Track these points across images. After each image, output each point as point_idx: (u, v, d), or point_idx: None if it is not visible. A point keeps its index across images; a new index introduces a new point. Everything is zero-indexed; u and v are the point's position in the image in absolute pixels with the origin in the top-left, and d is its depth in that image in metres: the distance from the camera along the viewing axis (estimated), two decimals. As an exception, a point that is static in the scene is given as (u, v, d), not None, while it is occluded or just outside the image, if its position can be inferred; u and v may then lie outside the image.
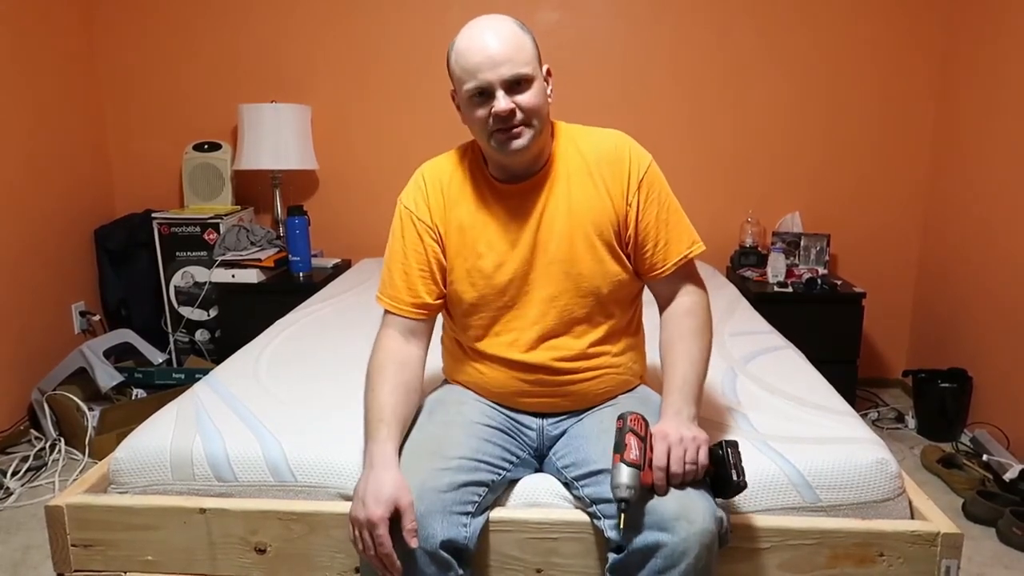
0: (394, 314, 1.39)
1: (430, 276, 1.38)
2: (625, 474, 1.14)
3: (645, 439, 1.20)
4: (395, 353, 1.36)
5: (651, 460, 1.18)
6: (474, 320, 1.39)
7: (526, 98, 1.25)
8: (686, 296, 1.38)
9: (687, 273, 1.39)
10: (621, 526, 1.12)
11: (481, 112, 1.26)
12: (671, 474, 1.17)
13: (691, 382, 1.30)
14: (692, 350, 1.33)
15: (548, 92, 1.32)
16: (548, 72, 1.34)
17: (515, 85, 1.25)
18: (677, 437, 1.19)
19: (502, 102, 1.24)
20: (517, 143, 1.27)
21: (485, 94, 1.25)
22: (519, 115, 1.25)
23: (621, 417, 1.22)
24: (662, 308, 1.41)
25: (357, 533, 1.19)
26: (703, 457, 1.19)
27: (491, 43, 1.23)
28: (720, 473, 1.21)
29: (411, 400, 1.34)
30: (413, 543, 1.15)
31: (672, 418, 1.25)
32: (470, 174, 1.39)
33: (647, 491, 1.17)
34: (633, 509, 1.15)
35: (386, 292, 1.41)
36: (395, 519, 1.16)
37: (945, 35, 3.05)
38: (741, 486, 1.20)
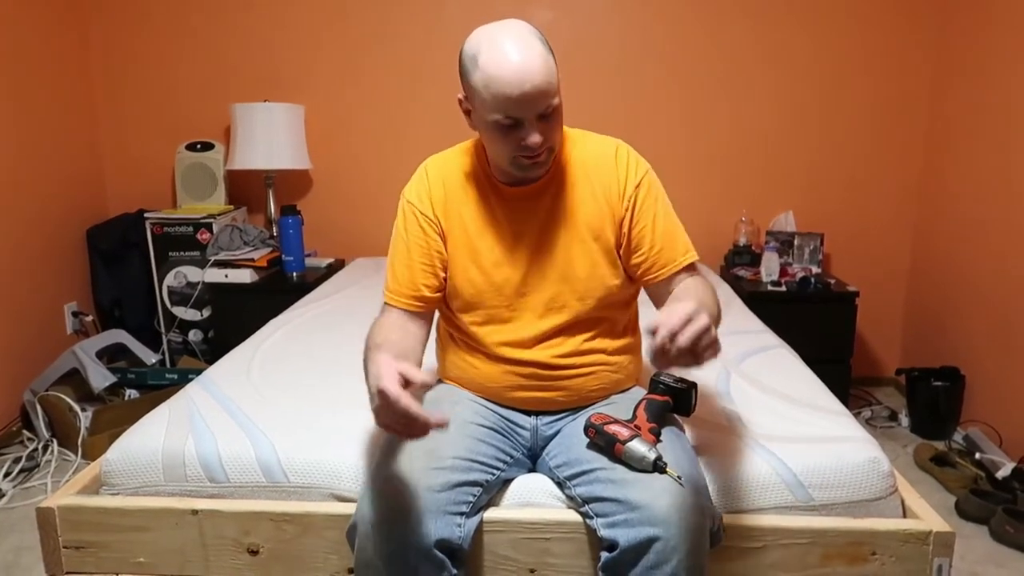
0: (393, 306, 1.40)
1: (431, 269, 1.39)
2: (636, 449, 1.19)
3: (616, 420, 1.26)
4: (393, 331, 1.36)
5: (637, 425, 1.25)
6: (471, 317, 1.40)
7: (553, 128, 1.26)
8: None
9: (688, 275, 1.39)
10: (679, 477, 1.16)
11: (508, 139, 1.25)
12: (680, 343, 1.03)
13: (708, 305, 1.21)
14: (702, 294, 1.29)
15: None
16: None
17: (544, 114, 1.24)
18: (691, 311, 1.05)
19: (536, 136, 1.23)
20: (539, 170, 1.30)
21: (513, 120, 1.23)
22: (545, 143, 1.25)
23: (587, 429, 1.26)
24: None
25: (396, 428, 1.11)
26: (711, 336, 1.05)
27: (526, 75, 1.18)
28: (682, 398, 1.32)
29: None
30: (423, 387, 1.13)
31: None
32: (473, 173, 1.40)
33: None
34: (664, 463, 1.19)
35: (388, 287, 1.41)
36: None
37: (938, 36, 3.06)
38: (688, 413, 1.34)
